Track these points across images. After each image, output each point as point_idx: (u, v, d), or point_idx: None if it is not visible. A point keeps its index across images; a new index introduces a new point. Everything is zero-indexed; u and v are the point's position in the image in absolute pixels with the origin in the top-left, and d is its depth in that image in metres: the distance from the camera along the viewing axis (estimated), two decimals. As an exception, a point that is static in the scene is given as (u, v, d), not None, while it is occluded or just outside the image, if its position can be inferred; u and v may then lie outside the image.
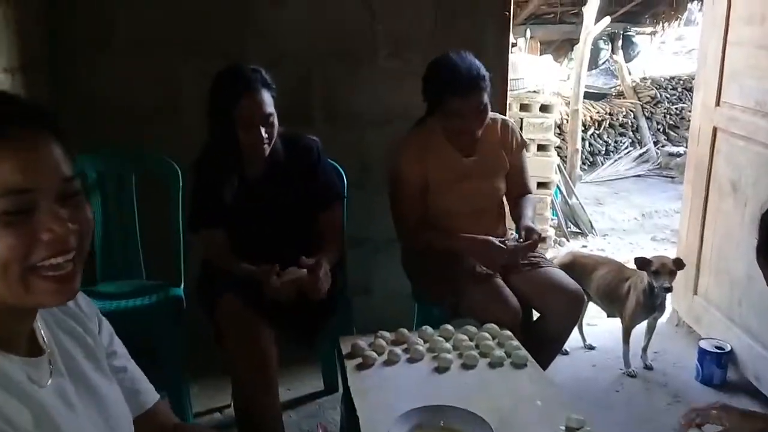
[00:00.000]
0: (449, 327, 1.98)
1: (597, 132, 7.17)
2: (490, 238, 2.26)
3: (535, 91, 4.59)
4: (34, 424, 0.85)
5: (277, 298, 2.01)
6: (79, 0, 2.65)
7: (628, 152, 7.13)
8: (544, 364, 2.04)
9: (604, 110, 7.32)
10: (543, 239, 2.35)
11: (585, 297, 2.34)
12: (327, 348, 2.49)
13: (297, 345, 2.21)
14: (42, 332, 0.96)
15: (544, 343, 2.25)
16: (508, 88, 3.03)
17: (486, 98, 2.25)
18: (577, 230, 5.02)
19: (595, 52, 8.59)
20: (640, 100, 7.57)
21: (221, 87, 2.10)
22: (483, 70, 2.23)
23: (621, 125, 7.33)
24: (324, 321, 2.21)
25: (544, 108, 4.54)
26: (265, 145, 2.11)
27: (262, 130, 2.08)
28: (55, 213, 0.84)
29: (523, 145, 2.50)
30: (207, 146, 2.20)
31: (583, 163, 6.86)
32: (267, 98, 2.09)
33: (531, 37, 7.59)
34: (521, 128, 4.45)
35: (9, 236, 0.81)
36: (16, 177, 0.81)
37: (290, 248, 2.14)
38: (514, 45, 6.47)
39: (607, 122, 7.25)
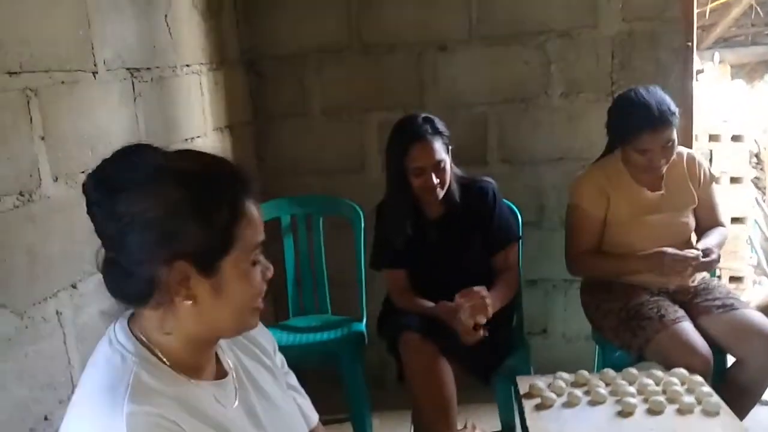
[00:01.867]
0: (633, 371, 1.91)
1: (802, 160, 6.49)
2: (663, 248, 2.17)
3: (725, 120, 4.30)
4: None
5: (469, 338, 2.07)
6: (280, 71, 2.97)
7: (840, 181, 6.37)
8: (740, 414, 1.89)
9: (809, 136, 6.62)
10: (717, 259, 2.21)
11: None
12: (504, 387, 2.49)
13: (475, 382, 2.24)
14: (225, 354, 1.12)
15: (741, 391, 2.09)
16: (694, 119, 2.89)
17: (674, 134, 2.19)
18: (781, 269, 4.56)
19: (796, 72, 7.83)
20: None
21: (394, 138, 2.24)
22: (673, 106, 2.18)
23: (831, 152, 6.58)
24: (501, 359, 2.23)
25: (736, 137, 4.22)
26: (438, 190, 2.20)
27: (433, 176, 2.17)
28: (265, 261, 1.03)
29: (712, 179, 2.39)
30: (388, 191, 2.34)
31: (787, 195, 6.23)
32: (437, 146, 2.18)
33: (720, 62, 7.10)
34: (711, 160, 4.19)
35: (255, 280, 1.01)
36: (261, 234, 1.02)
37: (467, 288, 2.18)
38: (700, 72, 6.11)
39: (814, 149, 6.54)
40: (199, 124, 2.51)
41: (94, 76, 1.88)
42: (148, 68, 2.16)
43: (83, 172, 1.79)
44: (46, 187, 1.66)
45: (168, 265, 0.94)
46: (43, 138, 1.66)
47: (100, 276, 1.00)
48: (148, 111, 2.13)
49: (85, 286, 1.78)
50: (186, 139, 2.39)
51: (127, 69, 2.04)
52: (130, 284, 0.96)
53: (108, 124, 1.92)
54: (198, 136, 2.48)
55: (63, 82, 1.74)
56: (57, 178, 1.70)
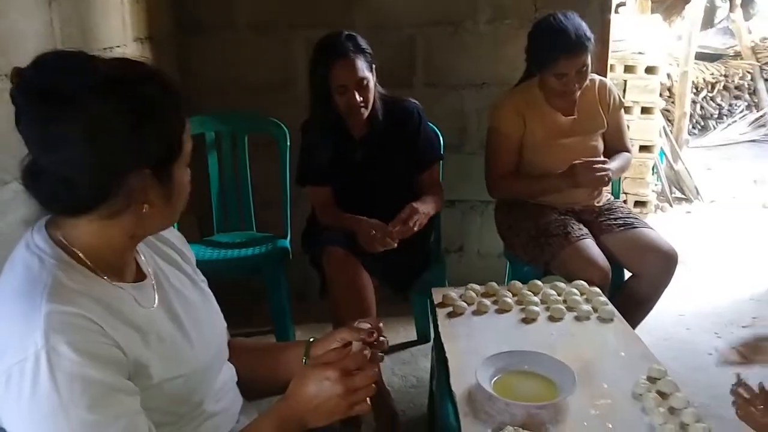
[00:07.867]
0: (538, 282, 2.04)
1: (710, 95, 6.84)
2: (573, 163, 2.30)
3: (640, 53, 4.46)
4: (143, 343, 1.02)
5: (373, 250, 2.15)
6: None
7: (743, 116, 6.78)
8: (632, 323, 2.08)
9: (718, 72, 6.96)
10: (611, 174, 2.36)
11: (678, 257, 2.32)
12: (421, 300, 2.63)
13: (393, 295, 2.36)
14: (143, 259, 1.15)
15: (635, 303, 2.29)
16: (611, 50, 3.00)
17: (589, 60, 2.29)
18: (682, 196, 4.88)
19: (711, 10, 8.13)
20: (758, 62, 7.13)
21: (317, 55, 2.23)
22: (588, 32, 2.28)
23: (737, 88, 6.96)
24: (418, 273, 2.35)
25: (650, 70, 4.41)
26: (362, 109, 2.22)
27: (357, 94, 2.20)
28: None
29: (621, 105, 2.53)
30: (312, 110, 2.35)
31: (694, 127, 6.59)
32: (360, 63, 2.18)
33: (642, -5, 7.27)
34: (624, 90, 4.36)
35: (188, 182, 1.07)
36: (191, 141, 1.06)
37: (391, 205, 2.26)
38: (622, 4, 6.25)
39: (722, 84, 6.89)
40: (118, 33, 2.42)
41: (5, -24, 1.78)
42: (64, -29, 2.06)
43: (-6, 76, 1.73)
44: (-45, 91, 1.60)
45: (130, 174, 0.97)
46: (-49, 39, 1.59)
47: (17, 185, 0.99)
48: (64, 16, 2.04)
49: (2, 195, 1.75)
50: (105, 48, 2.30)
51: (41, -30, 1.94)
52: (72, 194, 0.96)
53: (22, 29, 1.84)
54: (117, 46, 2.40)
55: (-29, -19, 1.66)
56: (-34, 83, 1.64)
